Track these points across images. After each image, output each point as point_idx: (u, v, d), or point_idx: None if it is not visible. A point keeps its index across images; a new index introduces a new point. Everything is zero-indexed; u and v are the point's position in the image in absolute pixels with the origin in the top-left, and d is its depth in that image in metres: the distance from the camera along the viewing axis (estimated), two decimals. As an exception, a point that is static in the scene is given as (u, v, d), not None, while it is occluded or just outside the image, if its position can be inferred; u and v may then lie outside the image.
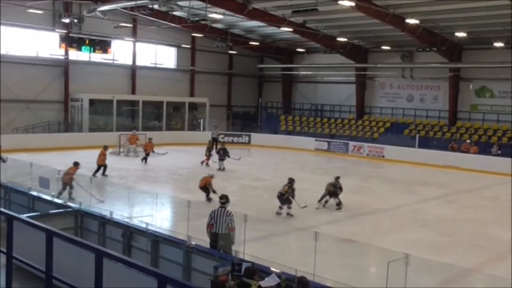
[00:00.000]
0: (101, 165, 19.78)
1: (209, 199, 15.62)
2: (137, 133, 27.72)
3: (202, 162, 23.30)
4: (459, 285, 9.82)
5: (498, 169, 24.52)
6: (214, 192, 15.36)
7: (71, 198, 14.45)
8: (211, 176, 16.13)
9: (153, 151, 23.99)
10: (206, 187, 15.85)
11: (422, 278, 9.13)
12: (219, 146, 23.84)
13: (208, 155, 23.44)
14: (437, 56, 29.89)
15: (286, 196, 14.39)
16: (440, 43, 28.35)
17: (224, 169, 22.26)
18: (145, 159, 23.75)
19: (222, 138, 32.06)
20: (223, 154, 22.59)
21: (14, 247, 5.21)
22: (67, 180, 14.75)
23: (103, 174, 19.79)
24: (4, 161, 17.14)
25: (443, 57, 29.92)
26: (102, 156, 19.90)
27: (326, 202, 15.67)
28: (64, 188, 14.66)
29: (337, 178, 16.03)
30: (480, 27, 26.21)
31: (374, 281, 9.57)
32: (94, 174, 18.94)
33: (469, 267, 10.46)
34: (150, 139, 24.69)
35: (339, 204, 15.49)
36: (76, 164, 15.54)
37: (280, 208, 14.54)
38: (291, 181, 14.77)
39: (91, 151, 26.02)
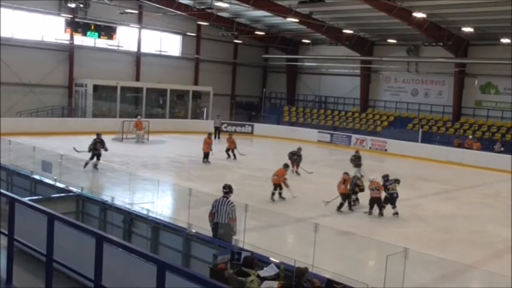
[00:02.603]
0: (206, 152, 20.98)
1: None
2: (141, 119, 27.73)
3: (296, 172, 19.79)
4: (457, 281, 9.87)
5: (500, 166, 24.49)
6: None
7: (281, 198, 15.22)
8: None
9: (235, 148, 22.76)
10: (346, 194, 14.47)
11: (420, 273, 9.17)
12: (293, 150, 20.52)
13: (294, 161, 20.02)
14: (443, 51, 29.76)
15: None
16: (446, 38, 28.21)
17: (299, 174, 19.79)
18: (228, 155, 22.67)
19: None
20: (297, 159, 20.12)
21: (15, 230, 5.25)
22: (276, 181, 15.17)
23: (205, 160, 20.95)
24: (106, 150, 18.33)
25: (449, 52, 29.79)
26: (207, 144, 21.14)
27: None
28: (275, 189, 15.25)
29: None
30: (487, 22, 26.05)
31: (372, 273, 9.62)
32: (203, 161, 20.97)
33: (467, 263, 10.49)
34: (230, 134, 24.00)
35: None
36: (285, 167, 15.93)
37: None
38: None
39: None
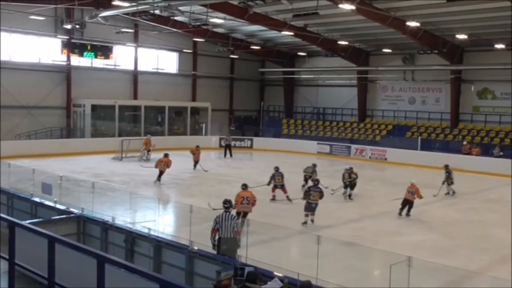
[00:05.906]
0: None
1: None
2: (150, 137, 27.52)
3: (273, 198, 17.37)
4: (463, 288, 9.79)
5: (500, 171, 24.43)
6: None
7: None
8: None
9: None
10: None
11: (425, 281, 9.11)
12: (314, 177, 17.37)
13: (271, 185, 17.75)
14: (438, 58, 29.88)
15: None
16: (441, 45, 28.32)
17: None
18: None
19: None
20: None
21: (16, 254, 5.22)
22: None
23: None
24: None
25: (445, 59, 29.91)
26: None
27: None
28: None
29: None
30: (481, 29, 26.20)
31: (377, 283, 9.56)
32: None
33: (472, 270, 10.42)
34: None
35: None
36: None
37: None
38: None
39: (93, 157, 26.23)
